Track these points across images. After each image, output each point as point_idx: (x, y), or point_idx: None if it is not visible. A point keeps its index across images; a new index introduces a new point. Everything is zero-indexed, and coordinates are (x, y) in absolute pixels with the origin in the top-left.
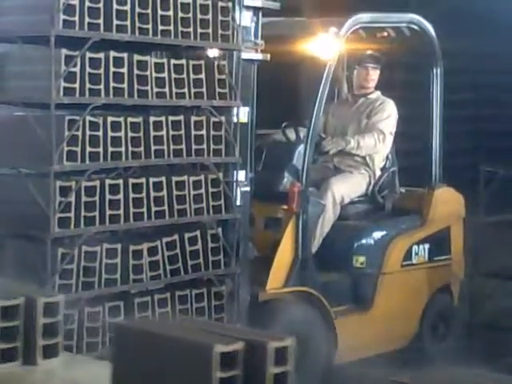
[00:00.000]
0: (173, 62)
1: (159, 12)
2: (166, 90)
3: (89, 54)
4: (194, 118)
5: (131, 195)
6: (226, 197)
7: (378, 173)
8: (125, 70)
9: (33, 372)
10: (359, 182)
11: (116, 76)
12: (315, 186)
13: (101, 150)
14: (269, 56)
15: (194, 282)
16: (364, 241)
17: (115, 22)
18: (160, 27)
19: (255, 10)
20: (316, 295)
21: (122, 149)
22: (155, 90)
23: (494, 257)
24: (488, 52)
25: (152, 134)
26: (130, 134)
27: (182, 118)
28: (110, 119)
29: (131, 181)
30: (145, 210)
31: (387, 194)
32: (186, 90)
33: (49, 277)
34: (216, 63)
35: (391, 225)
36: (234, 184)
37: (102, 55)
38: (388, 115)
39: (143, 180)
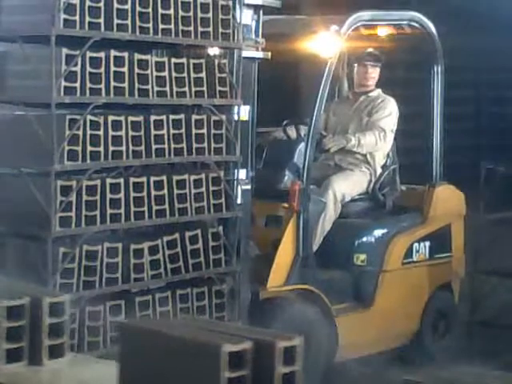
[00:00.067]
0: (173, 60)
1: (160, 11)
2: (167, 88)
3: (89, 54)
4: (194, 117)
5: (132, 194)
6: (227, 195)
7: (379, 171)
8: (125, 69)
9: (39, 372)
10: (360, 180)
11: (117, 75)
12: (316, 183)
13: (102, 149)
14: (270, 54)
15: (194, 281)
16: (365, 238)
17: (116, 21)
18: (160, 26)
19: (256, 7)
20: (317, 293)
21: (123, 148)
22: (156, 88)
23: (495, 254)
24: (489, 49)
25: (153, 132)
26: (130, 133)
27: (182, 116)
28: (110, 118)
29: (132, 180)
30: (146, 208)
31: (388, 192)
32: (186, 88)
33: (50, 276)
34: (217, 62)
35: (392, 222)
36: (235, 182)
37: (102, 54)
38: (389, 113)
39: (144, 179)
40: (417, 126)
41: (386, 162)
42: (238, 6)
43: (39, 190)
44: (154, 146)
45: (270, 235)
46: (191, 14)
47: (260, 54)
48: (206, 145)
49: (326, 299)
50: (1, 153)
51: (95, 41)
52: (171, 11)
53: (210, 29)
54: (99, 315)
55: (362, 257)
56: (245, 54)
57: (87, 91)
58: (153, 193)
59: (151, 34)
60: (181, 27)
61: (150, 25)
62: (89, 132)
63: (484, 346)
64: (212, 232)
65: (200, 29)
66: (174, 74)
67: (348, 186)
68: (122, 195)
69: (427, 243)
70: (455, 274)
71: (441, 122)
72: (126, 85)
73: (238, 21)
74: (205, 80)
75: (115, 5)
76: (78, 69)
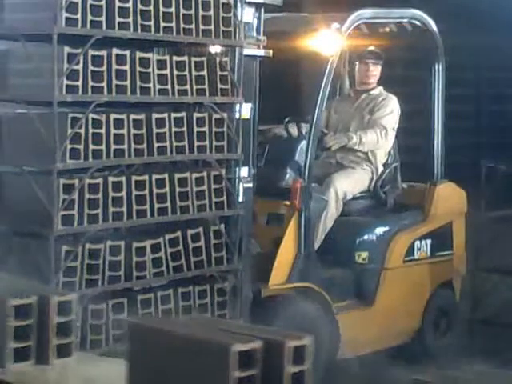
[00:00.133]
0: (175, 58)
1: (161, 9)
2: (169, 86)
3: (91, 52)
4: (196, 115)
5: (134, 192)
6: (229, 193)
7: (381, 168)
8: (127, 67)
9: (46, 371)
10: (361, 178)
11: (118, 73)
12: (318, 181)
13: (104, 147)
14: (271, 52)
15: (196, 279)
16: (366, 236)
17: (117, 19)
18: (162, 24)
19: (257, 5)
20: (318, 291)
21: (125, 146)
22: (158, 87)
23: (496, 252)
24: (490, 47)
25: (155, 131)
26: (132, 132)
27: (184, 114)
28: (112, 117)
29: (134, 178)
30: (148, 207)
31: (389, 190)
32: (188, 86)
33: (52, 274)
34: (218, 60)
35: (393, 220)
36: (237, 180)
37: (104, 53)
38: (390, 111)
39: (146, 177)
40: (418, 124)
41: (388, 159)
42: (239, 4)
43: (41, 188)
44: (155, 144)
45: (272, 233)
46: (192, 12)
47: (261, 52)
48: (207, 143)
49: (327, 297)
50: (3, 151)
51: (97, 39)
52: (172, 9)
53: (212, 27)
54: (102, 313)
55: (364, 255)
56: (246, 51)
57: (89, 89)
58: (155, 191)
59: (153, 32)
60: (182, 25)
61: (152, 23)
62: (91, 130)
63: (485, 343)
64: (214, 230)
65: (201, 27)
66: (175, 72)
67: (349, 183)
68: (124, 193)
69: (428, 241)
70: (456, 271)
71: (442, 119)
72: (127, 83)
73: (240, 19)
74: (206, 78)
75: (117, 3)
76: (79, 67)
